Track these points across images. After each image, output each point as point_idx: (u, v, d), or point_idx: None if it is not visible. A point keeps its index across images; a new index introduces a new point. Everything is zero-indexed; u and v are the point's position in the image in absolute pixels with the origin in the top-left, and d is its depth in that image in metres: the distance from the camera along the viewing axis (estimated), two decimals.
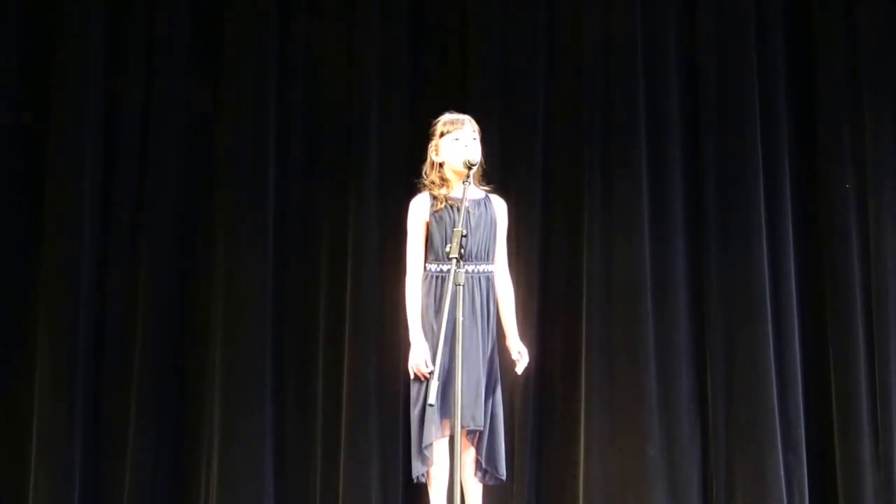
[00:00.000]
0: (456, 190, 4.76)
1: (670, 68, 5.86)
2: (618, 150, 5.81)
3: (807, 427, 5.62)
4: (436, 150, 4.81)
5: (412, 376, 4.67)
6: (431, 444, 4.59)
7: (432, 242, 4.75)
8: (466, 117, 4.83)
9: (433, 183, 4.79)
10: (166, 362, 5.82)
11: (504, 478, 4.77)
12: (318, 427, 5.75)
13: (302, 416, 5.79)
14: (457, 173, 4.75)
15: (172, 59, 5.96)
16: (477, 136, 4.80)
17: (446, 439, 4.60)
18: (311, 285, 5.86)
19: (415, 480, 4.68)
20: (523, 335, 4.91)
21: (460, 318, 4.28)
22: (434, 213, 4.75)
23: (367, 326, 5.70)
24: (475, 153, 4.71)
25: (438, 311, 4.64)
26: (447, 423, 4.56)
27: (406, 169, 5.18)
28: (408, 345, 4.71)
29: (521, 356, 4.79)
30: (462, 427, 4.41)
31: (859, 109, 5.78)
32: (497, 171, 5.56)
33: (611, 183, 5.80)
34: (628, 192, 5.76)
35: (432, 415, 4.55)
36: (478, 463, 4.71)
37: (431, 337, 4.63)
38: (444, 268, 4.69)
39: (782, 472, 5.51)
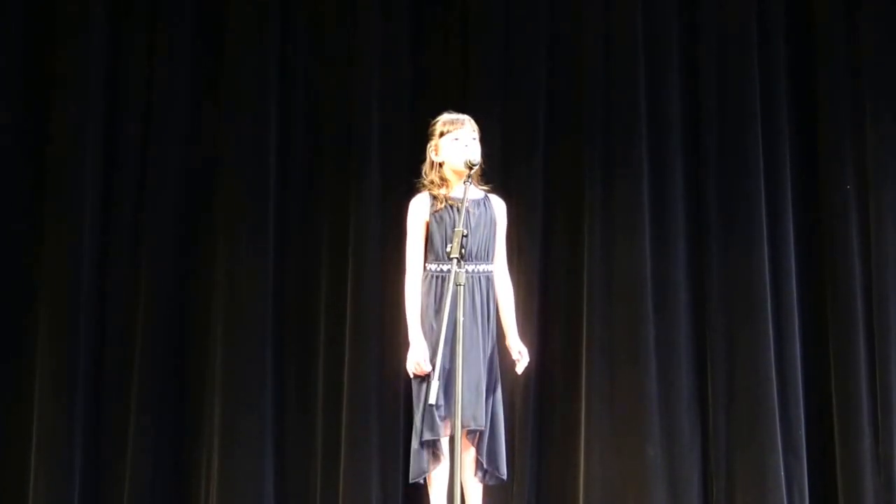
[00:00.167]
0: (456, 190, 4.76)
1: (671, 68, 5.85)
2: (618, 150, 5.81)
3: (807, 428, 5.62)
4: (435, 150, 4.81)
5: (412, 376, 4.67)
6: (433, 442, 4.58)
7: (432, 242, 4.75)
8: (466, 117, 4.82)
9: (433, 183, 4.79)
10: (167, 362, 5.82)
11: (505, 477, 4.77)
12: (319, 426, 5.75)
13: (302, 416, 5.79)
14: (456, 173, 4.74)
15: (173, 58, 5.95)
16: (476, 135, 4.80)
17: (446, 439, 4.60)
18: (311, 285, 5.86)
19: (412, 481, 4.68)
20: (524, 335, 4.91)
21: (461, 318, 4.28)
22: (434, 213, 4.74)
23: (367, 326, 5.70)
24: (476, 153, 4.71)
25: (438, 310, 4.64)
26: (448, 423, 4.55)
27: (407, 169, 5.17)
28: (408, 344, 4.70)
29: (521, 356, 4.79)
30: (463, 427, 4.41)
31: (860, 110, 5.78)
32: (498, 171, 5.56)
33: (611, 183, 5.80)
34: (629, 192, 5.76)
35: (433, 414, 4.55)
36: (478, 463, 4.71)
37: (431, 336, 4.63)
38: (444, 268, 4.69)
39: (782, 473, 5.51)
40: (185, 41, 5.97)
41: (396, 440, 5.61)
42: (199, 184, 5.94)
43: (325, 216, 5.89)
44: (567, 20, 5.94)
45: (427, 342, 4.64)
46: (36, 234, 5.87)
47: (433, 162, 4.81)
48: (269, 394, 5.75)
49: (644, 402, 5.60)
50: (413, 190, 4.85)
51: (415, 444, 4.65)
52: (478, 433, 4.66)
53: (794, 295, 5.69)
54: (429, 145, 4.83)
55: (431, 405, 4.37)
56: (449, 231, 4.67)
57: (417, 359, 4.63)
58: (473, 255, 4.70)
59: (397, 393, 5.58)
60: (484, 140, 4.86)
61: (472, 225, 4.68)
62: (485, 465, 4.70)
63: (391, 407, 5.65)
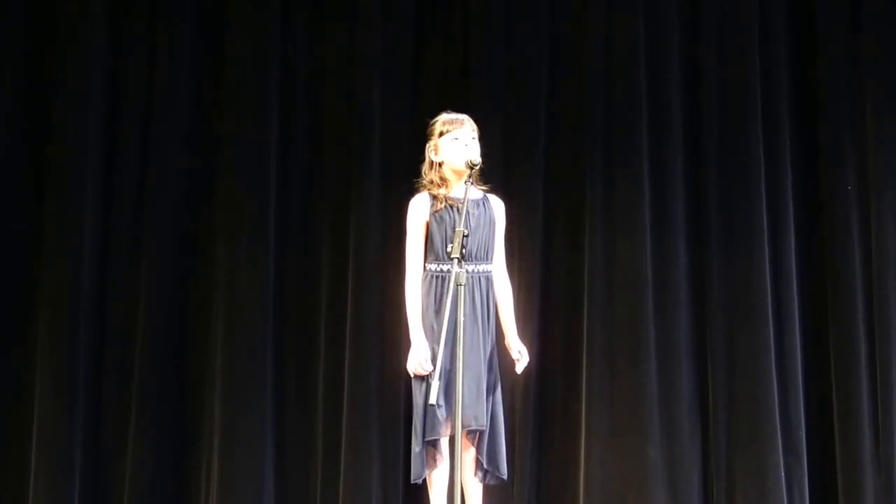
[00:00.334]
0: (455, 189, 4.76)
1: (672, 68, 5.85)
2: (619, 150, 5.81)
3: (807, 428, 5.62)
4: (435, 150, 4.80)
5: (412, 376, 4.67)
6: (434, 441, 4.58)
7: (432, 242, 4.75)
8: (465, 116, 4.82)
9: (432, 182, 4.79)
10: (167, 362, 5.82)
11: (505, 477, 4.77)
12: (319, 426, 5.75)
13: (303, 416, 5.79)
14: (456, 173, 4.74)
15: (174, 58, 5.95)
16: (476, 135, 4.80)
17: (446, 439, 4.60)
18: (312, 285, 5.85)
19: (412, 481, 4.68)
20: (524, 335, 4.91)
21: (462, 319, 4.28)
22: (434, 213, 4.74)
23: (368, 326, 5.70)
24: (476, 153, 4.70)
25: (439, 310, 4.64)
26: (449, 423, 4.55)
27: (407, 169, 5.17)
28: (408, 344, 4.70)
29: (521, 356, 4.79)
30: (464, 427, 4.40)
31: (861, 110, 5.77)
32: (499, 171, 5.57)
33: (612, 183, 5.80)
34: (630, 192, 5.76)
35: (434, 414, 4.54)
36: (478, 463, 4.71)
37: (432, 337, 4.63)
38: (444, 268, 4.69)
39: (783, 473, 5.51)
40: (186, 41, 5.97)
41: (397, 441, 5.61)
42: (199, 184, 5.93)
43: (326, 216, 5.89)
44: (568, 20, 5.94)
45: (428, 342, 4.64)
46: (36, 233, 5.87)
47: (433, 162, 4.81)
48: (269, 394, 5.75)
49: (644, 402, 5.60)
50: (413, 190, 4.85)
51: (415, 444, 4.65)
52: (478, 433, 4.66)
53: (795, 295, 5.69)
54: (428, 145, 4.82)
55: (433, 405, 4.37)
56: (449, 231, 4.67)
57: (419, 359, 4.63)
58: (473, 255, 4.70)
59: (398, 393, 5.57)
60: (485, 140, 4.87)
61: (472, 225, 4.68)
62: (485, 465, 4.70)
63: (392, 407, 5.64)
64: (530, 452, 5.65)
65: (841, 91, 5.78)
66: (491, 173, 5.02)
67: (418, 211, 4.77)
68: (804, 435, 5.61)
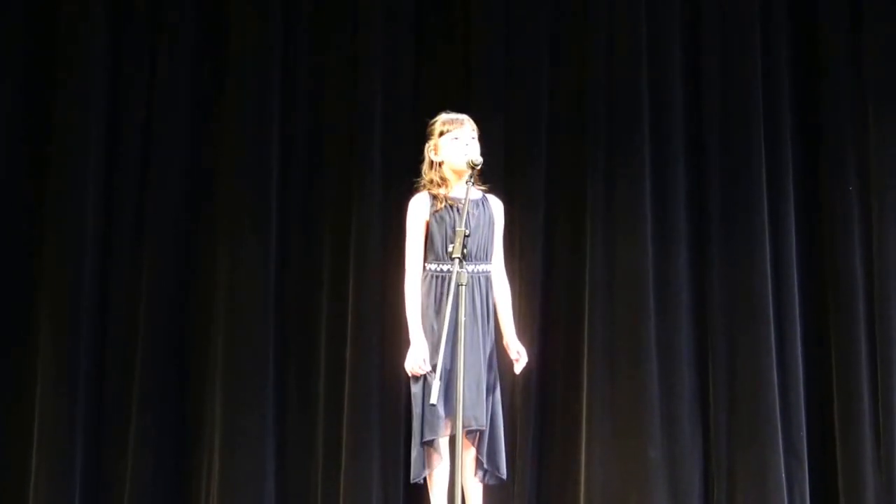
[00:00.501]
0: (455, 189, 4.76)
1: (674, 68, 5.85)
2: (621, 150, 5.80)
3: (808, 429, 5.61)
4: (434, 150, 4.80)
5: (410, 375, 4.67)
6: (432, 441, 4.58)
7: (432, 242, 4.74)
8: (465, 116, 4.82)
9: (432, 182, 4.79)
10: (168, 362, 5.82)
11: (505, 477, 4.77)
12: (320, 426, 5.74)
13: (304, 415, 5.79)
14: (456, 172, 4.74)
15: (175, 58, 5.96)
16: (476, 134, 4.80)
17: (447, 439, 4.59)
18: (313, 284, 5.85)
19: (412, 481, 4.68)
20: (525, 335, 4.91)
21: (463, 319, 4.28)
22: (434, 213, 4.74)
23: (369, 325, 5.69)
24: (477, 153, 4.70)
25: (439, 311, 4.64)
26: (449, 423, 4.55)
27: (408, 168, 5.16)
28: (408, 344, 4.70)
29: (519, 356, 4.79)
30: (464, 427, 4.40)
31: (863, 111, 5.76)
32: (500, 171, 5.57)
33: (613, 183, 5.79)
34: (631, 192, 5.75)
35: (435, 413, 4.54)
36: (478, 462, 4.70)
37: (431, 337, 4.63)
38: (444, 268, 4.69)
39: (783, 475, 5.49)
40: (187, 41, 5.97)
41: (398, 440, 5.61)
42: (200, 183, 5.94)
43: (327, 216, 5.89)
44: (569, 20, 5.93)
45: (427, 342, 4.64)
46: (37, 233, 5.87)
47: (432, 161, 4.80)
48: (270, 393, 5.75)
49: (645, 403, 5.59)
50: (413, 190, 4.85)
51: (415, 444, 4.65)
52: (478, 433, 4.66)
53: (796, 296, 5.68)
54: (427, 145, 4.83)
55: (433, 405, 4.36)
56: (449, 231, 4.67)
57: (417, 358, 4.62)
58: (473, 255, 4.69)
59: (399, 393, 5.56)
60: (486, 140, 4.86)
61: (472, 225, 4.68)
62: (485, 465, 4.70)
63: (393, 407, 5.64)
64: (531, 453, 5.64)
65: (842, 91, 5.78)
66: (491, 173, 5.01)
67: (418, 211, 4.76)
68: (805, 436, 5.60)
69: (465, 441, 4.62)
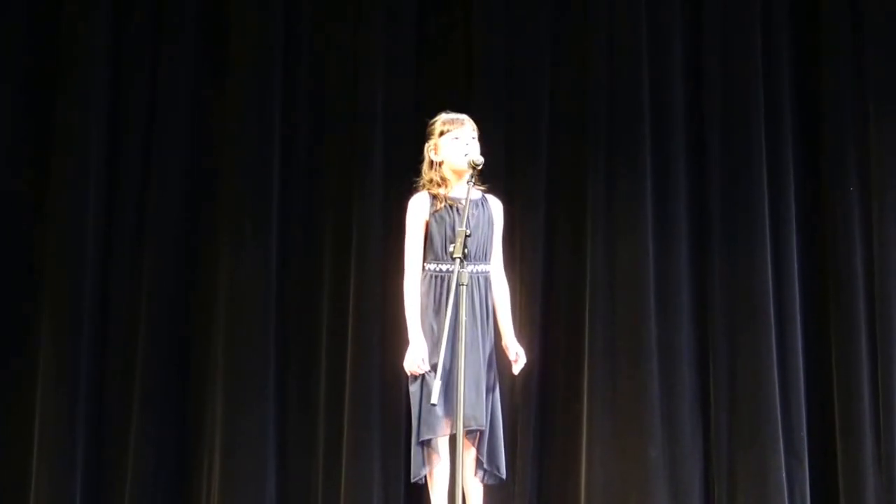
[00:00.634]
0: (455, 189, 4.75)
1: (675, 68, 5.84)
2: (621, 150, 5.80)
3: (809, 430, 5.60)
4: (434, 150, 4.80)
5: (409, 375, 4.67)
6: (430, 441, 4.58)
7: (432, 242, 4.74)
8: (465, 116, 4.82)
9: (432, 182, 4.78)
10: (169, 361, 5.82)
11: (505, 477, 4.77)
12: (321, 426, 5.75)
13: (304, 415, 5.79)
14: (456, 172, 4.74)
15: (175, 58, 5.96)
16: (476, 134, 4.80)
17: (447, 439, 4.59)
18: (314, 284, 5.86)
19: (413, 481, 4.68)
20: (526, 336, 4.91)
21: (463, 319, 4.27)
22: (434, 213, 4.74)
23: (369, 325, 5.69)
24: (477, 153, 4.69)
25: (438, 311, 4.64)
26: (448, 423, 4.55)
27: (409, 168, 5.16)
28: (408, 344, 4.70)
29: (518, 356, 4.79)
30: (464, 427, 4.39)
31: (864, 111, 5.76)
32: (500, 171, 5.57)
33: (614, 183, 5.79)
34: (632, 192, 5.75)
35: (433, 413, 4.54)
36: (478, 462, 4.70)
37: (431, 337, 4.63)
38: (444, 267, 4.69)
39: (784, 475, 5.49)
40: (188, 40, 5.97)
41: (398, 440, 5.60)
42: (201, 183, 5.94)
43: (328, 215, 5.89)
44: (570, 20, 5.93)
45: (427, 342, 4.64)
46: (38, 233, 5.87)
47: (432, 161, 4.80)
48: (271, 393, 5.75)
49: (646, 403, 5.59)
50: (413, 189, 4.84)
51: (414, 443, 4.65)
52: (478, 433, 4.66)
53: (797, 296, 5.68)
54: (427, 145, 4.82)
55: (433, 405, 4.36)
56: (449, 231, 4.67)
57: (416, 358, 4.62)
58: (472, 255, 4.69)
59: (399, 393, 5.55)
60: (487, 140, 4.86)
61: (472, 225, 4.67)
62: (485, 465, 4.69)
63: (393, 407, 5.63)
64: (531, 452, 5.64)
65: (843, 91, 5.77)
66: (491, 173, 5.00)
67: (418, 210, 4.76)
68: (806, 437, 5.60)
69: (465, 441, 4.61)
